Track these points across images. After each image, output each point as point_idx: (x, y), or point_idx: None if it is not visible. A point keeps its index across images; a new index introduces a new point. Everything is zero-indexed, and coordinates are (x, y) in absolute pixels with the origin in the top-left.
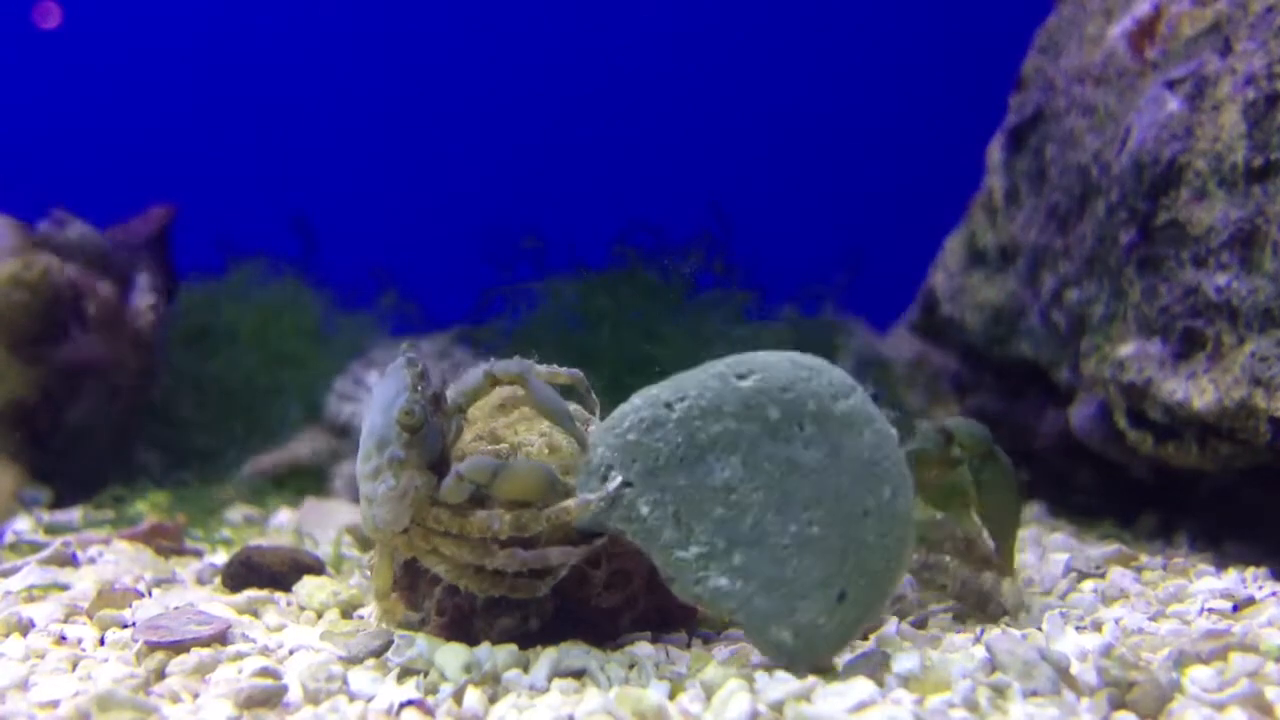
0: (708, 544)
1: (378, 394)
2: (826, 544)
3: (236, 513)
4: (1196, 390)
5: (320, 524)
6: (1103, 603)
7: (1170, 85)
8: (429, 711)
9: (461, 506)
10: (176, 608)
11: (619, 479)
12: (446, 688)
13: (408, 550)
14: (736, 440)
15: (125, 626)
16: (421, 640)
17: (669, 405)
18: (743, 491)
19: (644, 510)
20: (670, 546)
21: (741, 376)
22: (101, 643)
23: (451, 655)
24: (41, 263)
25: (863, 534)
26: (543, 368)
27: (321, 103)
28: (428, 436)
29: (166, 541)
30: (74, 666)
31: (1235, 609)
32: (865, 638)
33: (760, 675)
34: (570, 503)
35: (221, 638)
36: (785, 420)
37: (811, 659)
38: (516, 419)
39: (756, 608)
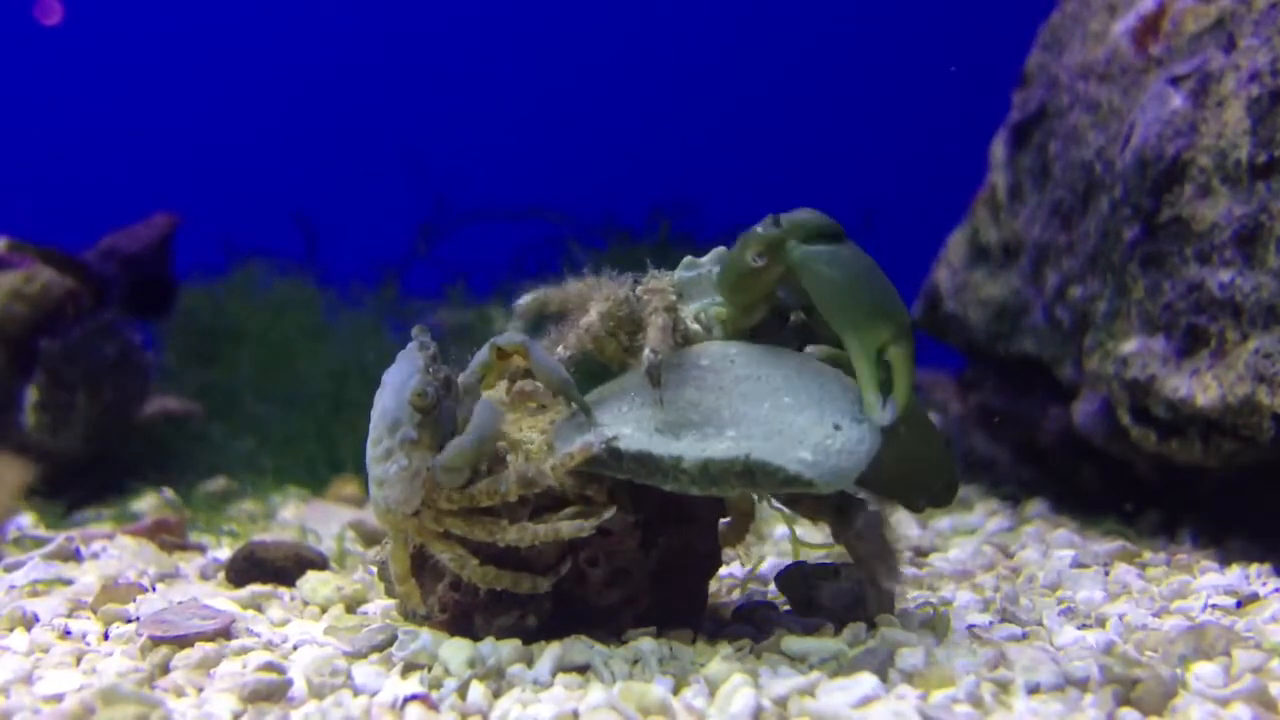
0: (699, 433)
1: (389, 377)
2: (801, 404)
3: (240, 508)
4: (1200, 387)
5: (324, 520)
6: (1106, 599)
7: (1174, 82)
8: (433, 706)
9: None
10: (180, 602)
11: (611, 433)
12: (451, 682)
13: (418, 535)
14: (684, 379)
15: (129, 621)
16: (425, 635)
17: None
18: (709, 402)
19: (627, 430)
20: (664, 441)
21: None
22: (105, 637)
23: (455, 650)
24: (43, 277)
25: (830, 389)
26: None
27: (322, 98)
28: (440, 418)
29: (170, 536)
30: (78, 661)
31: (1239, 605)
32: None
33: (764, 670)
34: (574, 448)
35: (225, 632)
36: (717, 364)
37: (835, 472)
38: (520, 416)
39: (768, 446)
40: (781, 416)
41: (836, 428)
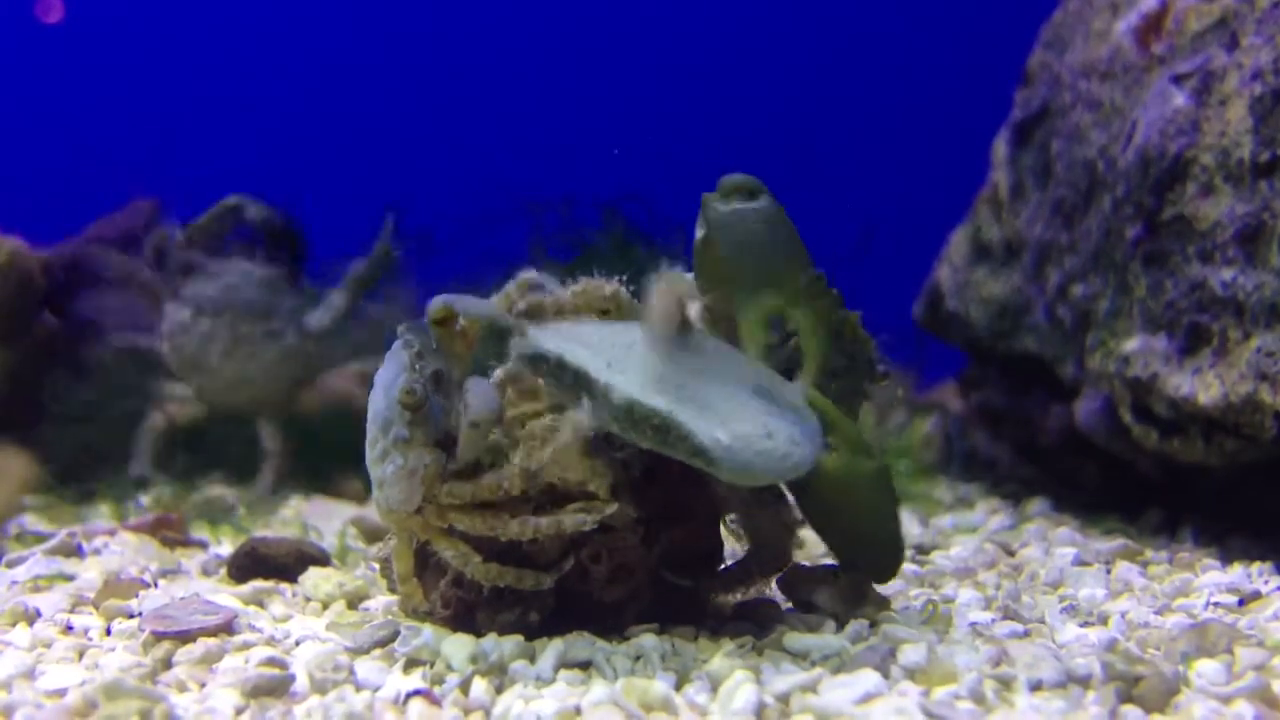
0: (641, 383)
1: (378, 379)
2: (745, 400)
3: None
4: (1202, 385)
5: (325, 517)
6: (1108, 596)
7: (1177, 80)
8: (436, 701)
9: (471, 473)
10: (182, 598)
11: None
12: (453, 678)
13: (423, 532)
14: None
15: (131, 616)
16: (428, 630)
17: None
18: (667, 371)
19: (583, 352)
20: (609, 373)
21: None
22: (108, 632)
23: (458, 646)
24: (9, 245)
25: (784, 408)
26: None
27: (312, 93)
28: (431, 413)
29: (171, 533)
30: (81, 656)
31: (1241, 603)
32: None
33: (766, 667)
34: (566, 429)
35: (228, 628)
36: (687, 343)
37: (744, 466)
38: (522, 412)
39: (691, 416)
40: (725, 403)
41: (769, 436)
